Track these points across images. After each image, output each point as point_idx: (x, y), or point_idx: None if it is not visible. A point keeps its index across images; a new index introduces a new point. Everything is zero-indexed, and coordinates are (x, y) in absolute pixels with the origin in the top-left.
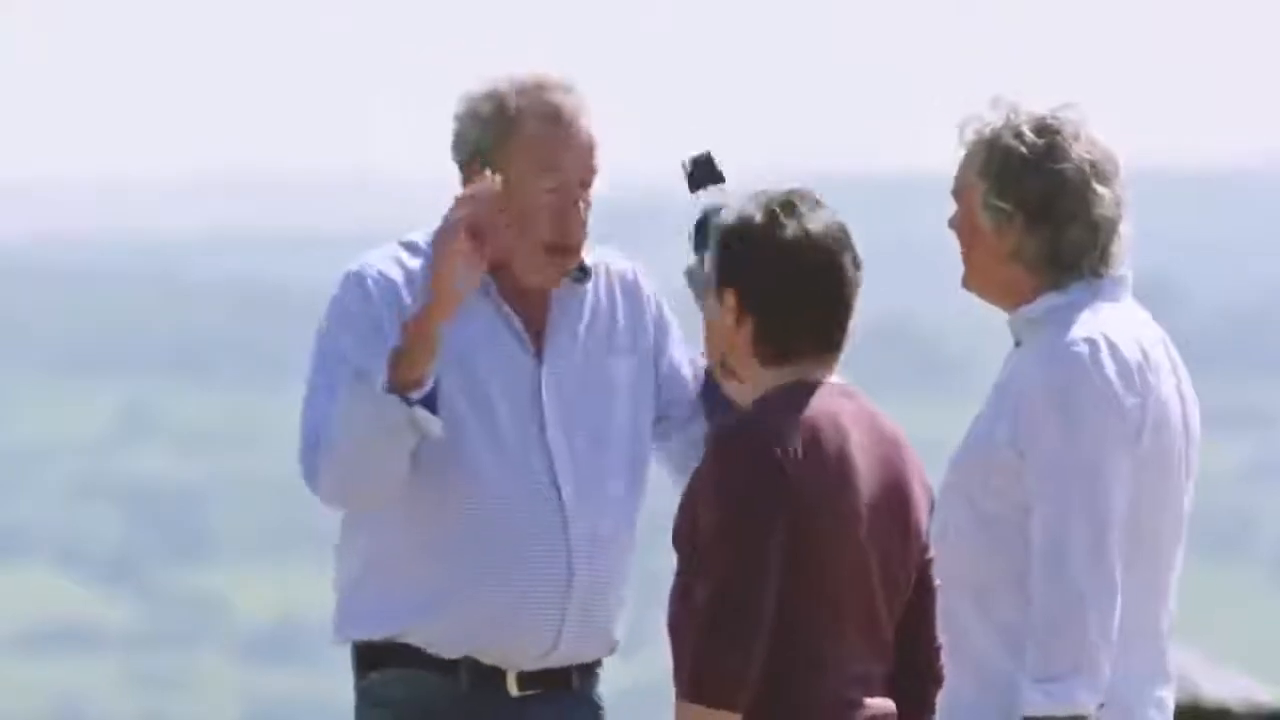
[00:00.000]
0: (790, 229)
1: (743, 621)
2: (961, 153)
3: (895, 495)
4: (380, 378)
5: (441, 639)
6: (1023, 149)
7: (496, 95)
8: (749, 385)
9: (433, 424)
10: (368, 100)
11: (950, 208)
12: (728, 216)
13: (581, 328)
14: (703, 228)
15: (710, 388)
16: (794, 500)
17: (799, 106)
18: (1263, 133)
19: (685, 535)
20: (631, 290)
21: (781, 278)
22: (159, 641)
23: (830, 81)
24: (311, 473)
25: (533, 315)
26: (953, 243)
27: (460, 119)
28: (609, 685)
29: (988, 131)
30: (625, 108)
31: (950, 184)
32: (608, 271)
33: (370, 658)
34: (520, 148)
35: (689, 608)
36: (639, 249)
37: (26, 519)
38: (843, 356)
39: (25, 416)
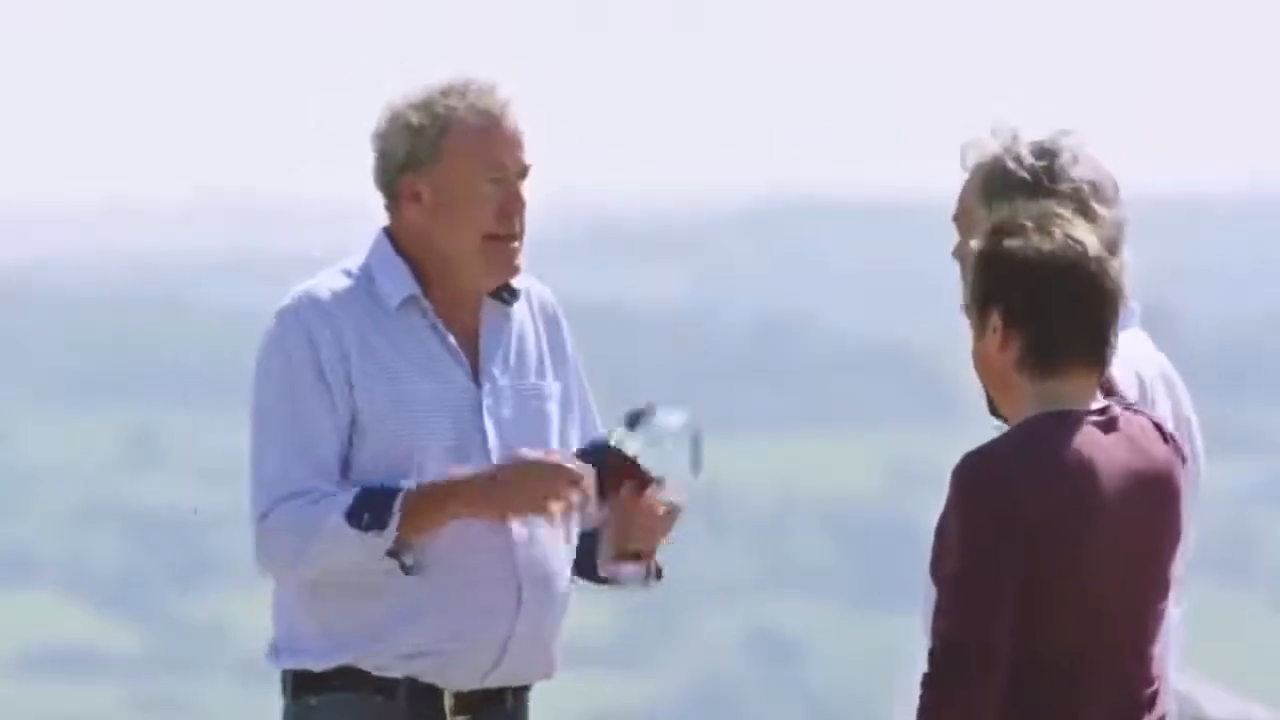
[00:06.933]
0: (1042, 237)
1: (970, 662)
2: (964, 178)
3: (1141, 535)
4: (388, 540)
5: (389, 660)
6: (1022, 172)
7: (424, 101)
8: (1017, 410)
9: (402, 570)
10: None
11: (951, 234)
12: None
13: (512, 351)
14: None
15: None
16: (1029, 544)
17: (790, 127)
18: (1260, 157)
19: (936, 570)
20: (552, 319)
21: (1045, 281)
22: (163, 666)
23: (823, 101)
24: (262, 555)
25: (465, 337)
26: (950, 266)
27: (384, 135)
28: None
29: (988, 156)
30: (606, 123)
31: (951, 209)
32: (528, 296)
33: (309, 683)
34: (458, 145)
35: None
36: (619, 263)
37: (31, 543)
38: (836, 380)
39: (30, 441)
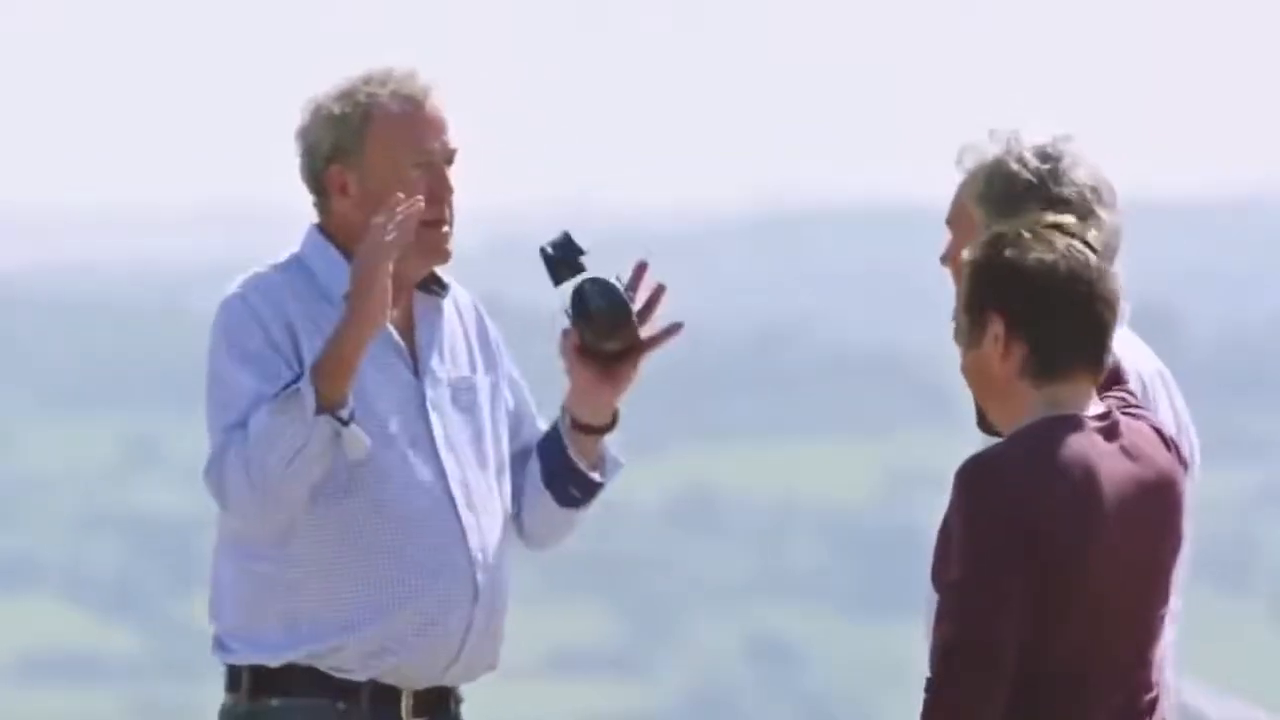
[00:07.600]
0: (1042, 246)
1: (972, 663)
2: (959, 180)
3: (1142, 541)
4: (309, 399)
5: (353, 659)
6: (1026, 174)
7: (346, 91)
8: (1015, 419)
9: (361, 441)
10: None
11: (944, 238)
12: (971, 250)
13: (445, 345)
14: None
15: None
16: (1031, 548)
17: (791, 128)
18: (1261, 161)
19: (939, 575)
20: (474, 316)
21: (1045, 289)
22: (162, 671)
23: (822, 102)
24: (227, 499)
25: (400, 329)
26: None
27: (307, 129)
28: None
29: (989, 158)
30: (596, 127)
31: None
32: (450, 293)
33: (267, 682)
34: (381, 132)
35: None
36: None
37: (31, 549)
38: (833, 385)
39: (29, 447)
